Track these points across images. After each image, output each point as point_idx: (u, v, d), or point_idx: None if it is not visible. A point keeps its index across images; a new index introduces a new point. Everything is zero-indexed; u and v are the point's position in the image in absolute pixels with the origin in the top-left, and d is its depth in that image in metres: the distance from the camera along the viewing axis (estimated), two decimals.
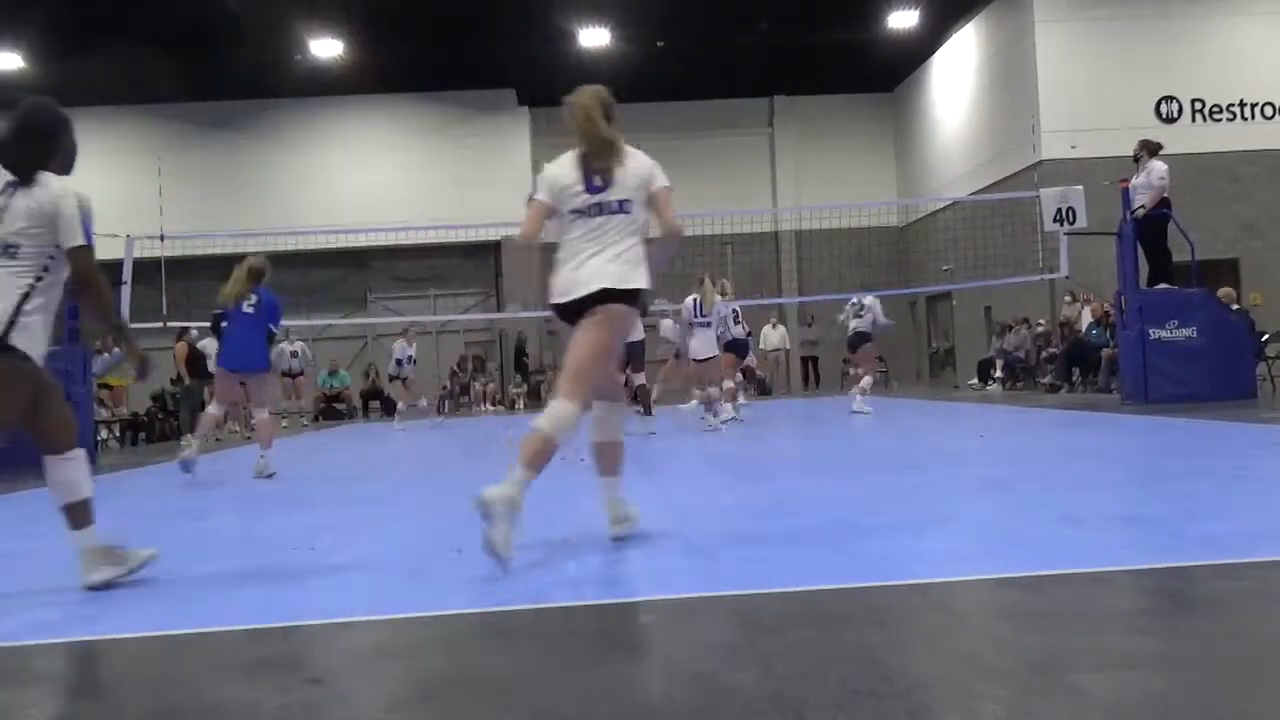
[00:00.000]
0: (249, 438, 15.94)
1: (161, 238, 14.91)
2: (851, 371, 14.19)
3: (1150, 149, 12.18)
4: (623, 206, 4.16)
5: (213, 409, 9.05)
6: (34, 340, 3.76)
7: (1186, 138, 18.65)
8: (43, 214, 3.72)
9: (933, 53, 24.64)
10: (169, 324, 15.04)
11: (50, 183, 3.79)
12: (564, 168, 4.28)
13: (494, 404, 23.10)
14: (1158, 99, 19.75)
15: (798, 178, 26.62)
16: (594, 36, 22.37)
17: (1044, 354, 18.00)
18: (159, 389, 18.71)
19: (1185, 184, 15.20)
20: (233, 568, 4.34)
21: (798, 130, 26.98)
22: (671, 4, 21.35)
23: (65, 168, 4.01)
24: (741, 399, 18.47)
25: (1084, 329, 16.59)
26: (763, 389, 22.42)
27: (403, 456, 11.07)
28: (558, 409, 4.03)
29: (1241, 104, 19.92)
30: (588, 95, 4.33)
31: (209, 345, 16.36)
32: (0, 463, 7.71)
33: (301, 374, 18.00)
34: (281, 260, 24.06)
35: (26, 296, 3.74)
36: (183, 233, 17.88)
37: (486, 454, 10.05)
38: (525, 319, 21.03)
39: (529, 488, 3.91)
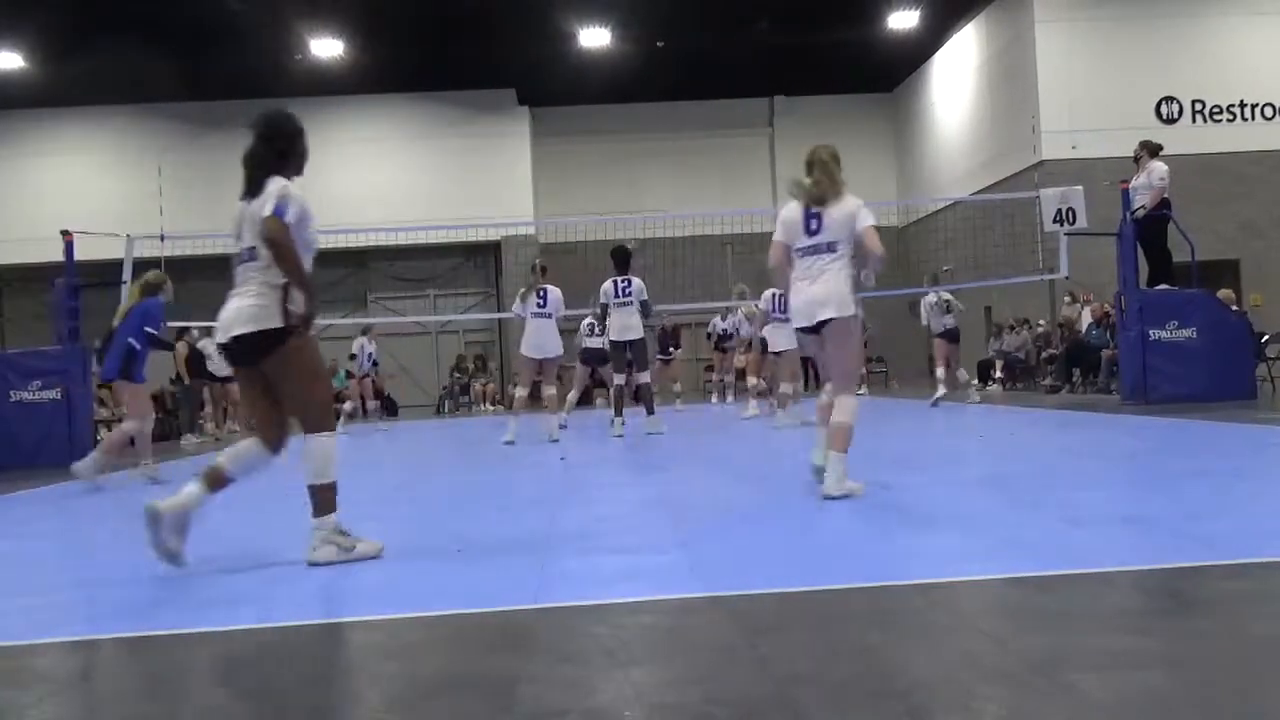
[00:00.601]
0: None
1: (161, 238, 14.90)
2: (943, 368, 14.27)
3: (1150, 149, 12.17)
4: (830, 247, 5.31)
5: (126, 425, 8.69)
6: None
7: (1187, 138, 18.65)
8: (278, 197, 4.07)
9: (933, 53, 24.64)
10: (168, 324, 15.00)
11: (269, 185, 4.13)
12: (793, 213, 5.50)
13: (494, 404, 23.10)
14: (1158, 99, 19.74)
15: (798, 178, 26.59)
16: (594, 36, 22.36)
17: (1044, 354, 18.00)
18: (158, 389, 18.72)
19: (1185, 184, 15.19)
20: (233, 568, 4.33)
21: (798, 130, 26.93)
22: (671, 4, 21.35)
23: (299, 170, 4.38)
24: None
25: (1084, 329, 16.59)
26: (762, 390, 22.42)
27: (403, 457, 11.06)
28: (847, 402, 5.33)
29: (1242, 104, 19.91)
30: (829, 151, 5.67)
31: (208, 345, 16.38)
32: None
33: (367, 375, 17.79)
34: None
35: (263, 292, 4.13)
36: (182, 233, 17.86)
37: (486, 454, 10.04)
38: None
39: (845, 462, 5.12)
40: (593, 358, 11.97)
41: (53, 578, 4.53)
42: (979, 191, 21.26)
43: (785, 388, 11.59)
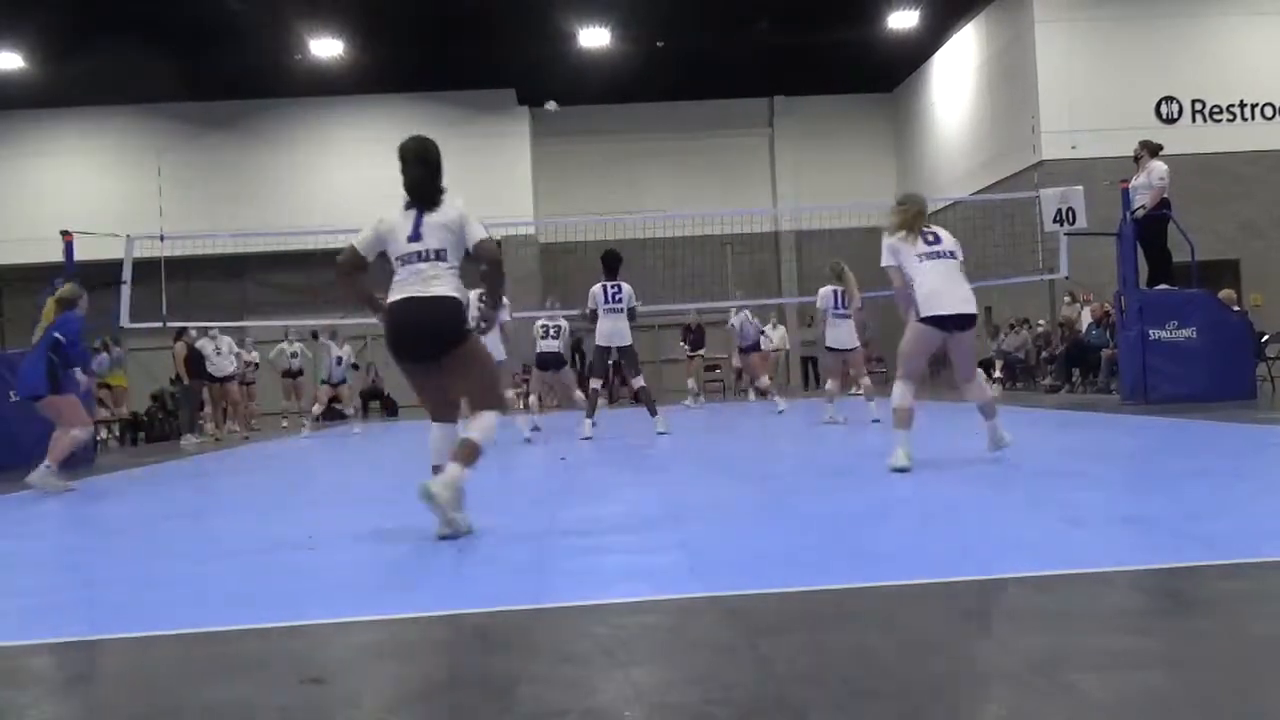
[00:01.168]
0: (247, 438, 15.96)
1: (161, 238, 14.91)
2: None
3: (1150, 149, 12.17)
4: (953, 254, 6.44)
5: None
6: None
7: (1187, 138, 18.66)
8: (455, 225, 4.70)
9: (933, 53, 24.64)
10: (168, 324, 15.03)
11: (453, 200, 4.78)
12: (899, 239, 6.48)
13: None
14: (1158, 99, 19.75)
15: (797, 178, 26.62)
16: (594, 36, 22.37)
17: (1044, 354, 18.00)
18: (158, 389, 18.73)
19: (1185, 184, 15.19)
20: (233, 567, 4.33)
21: (797, 130, 26.98)
22: (671, 4, 21.36)
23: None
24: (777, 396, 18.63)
25: (1084, 329, 16.59)
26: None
27: (402, 457, 11.06)
28: (982, 387, 6.73)
29: (1242, 104, 19.92)
30: (922, 199, 6.69)
31: (207, 345, 16.38)
32: None
33: (301, 373, 17.75)
34: (281, 260, 24.48)
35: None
36: (182, 233, 17.86)
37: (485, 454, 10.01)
38: (529, 320, 20.97)
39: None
40: (549, 362, 11.77)
41: (53, 578, 4.52)
42: (979, 191, 21.26)
43: (866, 380, 11.61)
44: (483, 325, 5.41)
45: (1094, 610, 2.95)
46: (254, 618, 3.33)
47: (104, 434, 15.47)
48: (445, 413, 4.88)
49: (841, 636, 2.76)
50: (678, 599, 3.30)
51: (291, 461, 11.36)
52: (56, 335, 8.46)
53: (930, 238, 6.38)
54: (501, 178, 24.52)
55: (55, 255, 12.38)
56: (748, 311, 17.17)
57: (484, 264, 4.91)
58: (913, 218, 6.43)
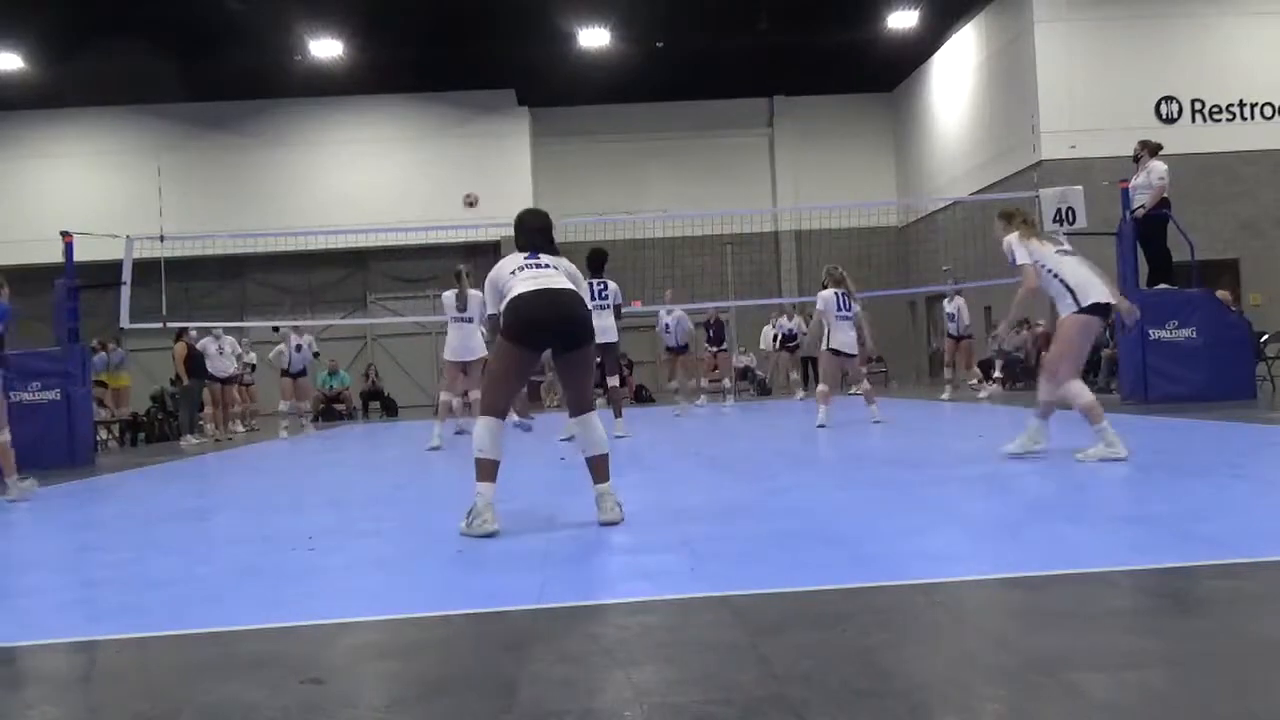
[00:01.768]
0: (240, 431, 15.93)
1: (161, 238, 14.89)
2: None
3: (1150, 149, 12.17)
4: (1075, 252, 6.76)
5: None
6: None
7: (1186, 138, 18.65)
8: (574, 273, 5.20)
9: (932, 53, 24.63)
10: (168, 324, 15.02)
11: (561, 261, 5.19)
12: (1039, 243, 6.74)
13: None
14: (1158, 99, 19.75)
15: (797, 178, 26.63)
16: (594, 37, 22.37)
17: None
18: (158, 389, 18.72)
19: (1185, 184, 15.20)
20: (233, 568, 4.33)
21: (797, 130, 26.97)
22: (671, 4, 21.36)
23: None
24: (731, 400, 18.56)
25: None
26: (763, 389, 22.43)
27: (402, 457, 11.06)
28: (1077, 388, 6.44)
29: (1241, 104, 19.92)
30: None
31: (208, 345, 16.37)
32: None
33: (304, 373, 17.45)
34: (281, 260, 24.48)
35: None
36: (182, 233, 17.86)
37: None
38: None
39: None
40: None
41: (53, 578, 4.53)
42: (978, 191, 21.25)
43: (866, 384, 11.56)
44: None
45: (1094, 610, 2.95)
46: (254, 618, 3.33)
47: (104, 435, 15.46)
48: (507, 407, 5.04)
49: (841, 636, 2.76)
50: (678, 599, 3.30)
51: (292, 462, 11.36)
52: None
53: (1054, 239, 6.78)
54: (501, 178, 24.50)
55: (55, 256, 12.37)
56: (681, 311, 16.90)
57: None
58: (1034, 225, 6.81)
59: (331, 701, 2.49)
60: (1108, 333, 15.11)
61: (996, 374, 18.85)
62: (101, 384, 15.97)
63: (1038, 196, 13.64)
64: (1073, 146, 19.20)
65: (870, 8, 21.94)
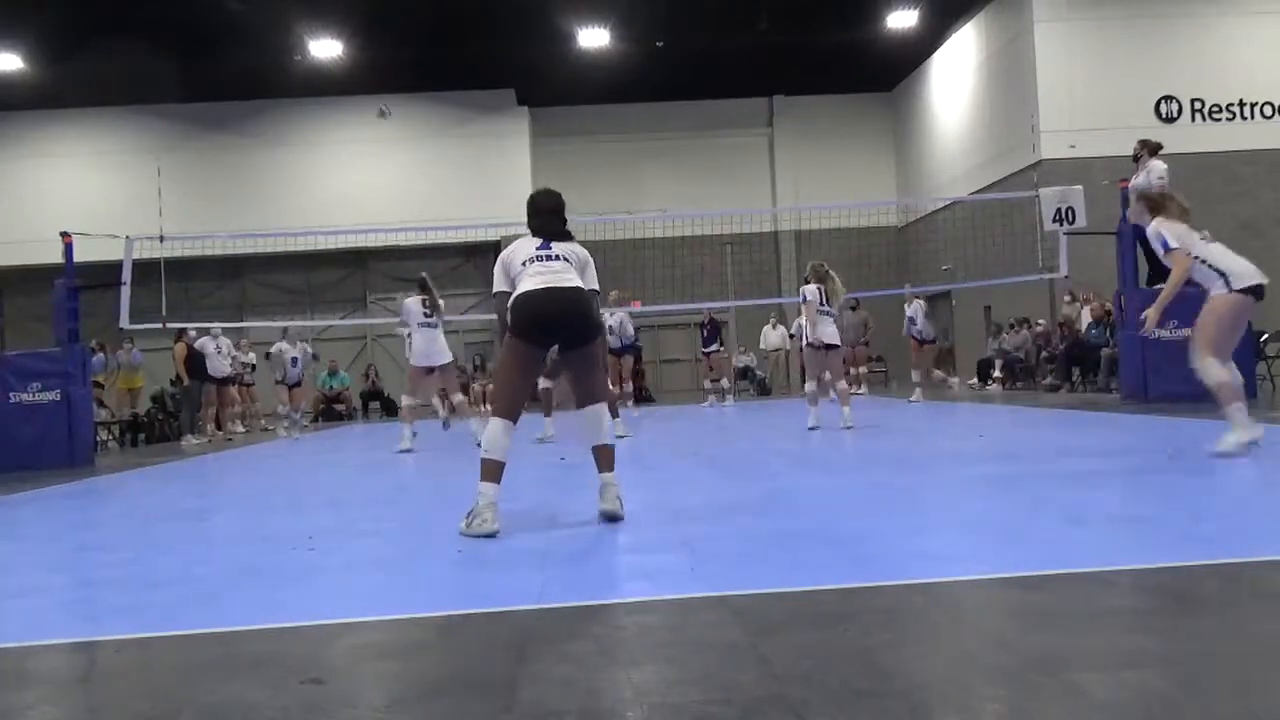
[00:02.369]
0: (237, 436, 15.95)
1: (161, 238, 14.88)
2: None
3: (1150, 148, 12.17)
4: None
5: None
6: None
7: (1186, 138, 18.65)
8: (584, 258, 5.18)
9: (932, 53, 24.64)
10: (168, 325, 15.01)
11: (573, 249, 5.18)
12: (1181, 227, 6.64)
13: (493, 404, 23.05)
14: (1158, 99, 19.75)
15: (797, 178, 26.63)
16: (594, 37, 22.37)
17: (1044, 354, 18.00)
18: (158, 389, 18.72)
19: (1185, 184, 15.16)
20: (233, 568, 4.33)
21: (797, 130, 26.98)
22: (671, 4, 21.36)
23: None
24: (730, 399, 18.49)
25: (1083, 328, 16.60)
26: (762, 389, 22.43)
27: (402, 458, 11.06)
28: (1212, 366, 6.43)
29: (1241, 104, 19.92)
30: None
31: (207, 345, 16.37)
32: None
33: (299, 384, 17.11)
34: (281, 260, 24.50)
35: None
36: (182, 233, 17.85)
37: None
38: None
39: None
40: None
41: (53, 578, 4.52)
42: (978, 191, 21.26)
43: (841, 384, 11.35)
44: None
45: (1095, 610, 2.95)
46: (254, 618, 3.33)
47: (104, 435, 15.46)
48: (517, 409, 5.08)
49: (841, 636, 2.76)
50: (678, 599, 3.30)
51: (291, 462, 11.36)
52: None
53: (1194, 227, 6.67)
54: (501, 178, 24.49)
55: (55, 256, 12.38)
56: (624, 313, 16.62)
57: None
58: (1188, 211, 6.74)
59: (331, 701, 2.49)
60: (1108, 332, 15.14)
61: (996, 374, 18.88)
62: (98, 384, 15.97)
63: (1037, 196, 13.65)
64: (1072, 146, 19.21)
65: (870, 8, 21.94)
